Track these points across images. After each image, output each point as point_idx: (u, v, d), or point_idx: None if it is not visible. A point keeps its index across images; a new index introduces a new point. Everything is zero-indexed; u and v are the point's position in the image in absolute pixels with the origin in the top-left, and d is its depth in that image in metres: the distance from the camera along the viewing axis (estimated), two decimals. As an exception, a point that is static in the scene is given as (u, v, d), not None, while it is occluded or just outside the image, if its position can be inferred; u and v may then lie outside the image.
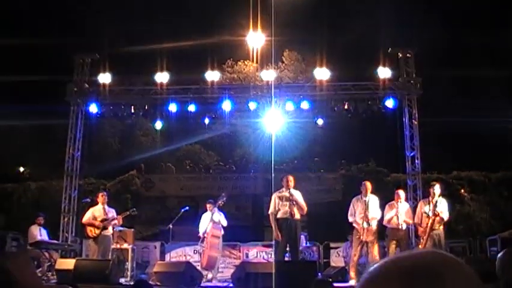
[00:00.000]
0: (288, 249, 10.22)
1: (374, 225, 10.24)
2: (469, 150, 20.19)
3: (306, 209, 10.17)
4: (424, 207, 10.39)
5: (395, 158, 14.92)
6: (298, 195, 10.15)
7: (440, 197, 10.32)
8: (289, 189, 10.10)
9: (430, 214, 10.08)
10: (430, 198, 10.29)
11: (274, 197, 10.18)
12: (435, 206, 10.14)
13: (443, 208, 10.20)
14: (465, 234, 14.23)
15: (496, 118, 19.66)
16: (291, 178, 10.20)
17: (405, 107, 13.61)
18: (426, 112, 14.37)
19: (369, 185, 10.50)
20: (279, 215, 10.03)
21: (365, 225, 10.15)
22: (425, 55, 16.31)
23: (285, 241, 10.04)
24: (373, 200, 10.36)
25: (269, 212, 10.22)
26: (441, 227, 10.18)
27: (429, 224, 10.11)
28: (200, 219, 11.71)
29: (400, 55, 13.75)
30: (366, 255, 10.38)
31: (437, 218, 10.10)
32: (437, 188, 10.35)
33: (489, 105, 19.98)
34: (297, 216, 10.03)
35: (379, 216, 10.34)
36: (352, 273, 10.30)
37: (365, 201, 10.30)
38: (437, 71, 17.27)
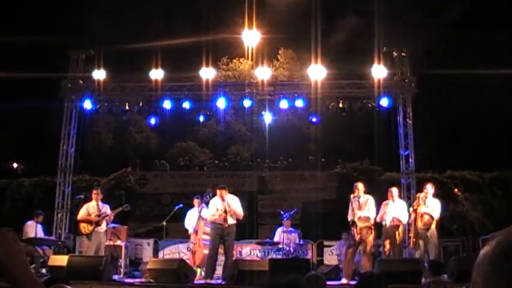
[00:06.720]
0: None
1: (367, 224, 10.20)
2: (463, 149, 20.23)
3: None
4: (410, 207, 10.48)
5: (389, 156, 14.94)
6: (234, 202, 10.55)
7: (432, 197, 10.37)
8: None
9: (411, 210, 10.21)
10: (418, 196, 10.35)
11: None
12: (418, 203, 10.22)
13: (434, 207, 10.22)
14: (458, 234, 14.25)
15: (490, 117, 19.74)
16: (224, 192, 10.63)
17: (399, 106, 13.64)
18: (420, 111, 14.40)
19: (361, 185, 10.40)
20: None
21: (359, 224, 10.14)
22: (420, 54, 16.36)
23: None
24: (366, 200, 10.30)
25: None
26: (433, 226, 10.19)
27: (412, 221, 10.18)
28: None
29: (395, 54, 13.77)
30: (360, 253, 10.36)
31: (426, 217, 10.11)
32: (429, 188, 10.39)
33: (483, 105, 20.05)
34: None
35: (372, 216, 10.30)
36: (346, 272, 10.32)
37: (359, 201, 10.28)
38: (432, 70, 17.30)
